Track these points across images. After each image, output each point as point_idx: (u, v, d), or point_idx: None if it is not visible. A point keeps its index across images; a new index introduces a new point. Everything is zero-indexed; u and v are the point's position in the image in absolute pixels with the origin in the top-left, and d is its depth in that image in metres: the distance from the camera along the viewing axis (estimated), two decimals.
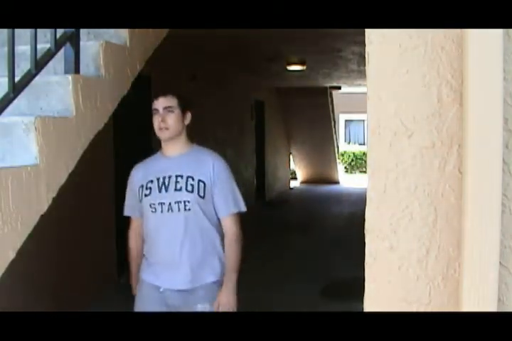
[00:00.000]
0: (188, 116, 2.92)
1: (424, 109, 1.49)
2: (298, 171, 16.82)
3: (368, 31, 1.53)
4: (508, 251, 1.42)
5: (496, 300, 1.38)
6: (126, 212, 3.07)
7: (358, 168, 20.68)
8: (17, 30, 2.23)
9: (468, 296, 1.38)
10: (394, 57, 1.51)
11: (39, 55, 2.38)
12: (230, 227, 2.88)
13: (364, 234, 1.56)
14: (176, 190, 2.80)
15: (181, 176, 2.81)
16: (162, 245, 2.88)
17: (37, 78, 2.38)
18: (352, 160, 20.94)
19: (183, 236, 2.81)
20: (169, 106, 2.84)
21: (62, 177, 2.38)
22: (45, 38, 2.57)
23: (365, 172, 15.50)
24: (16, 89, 2.24)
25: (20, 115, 2.33)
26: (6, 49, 2.23)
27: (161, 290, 2.87)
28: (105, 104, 2.72)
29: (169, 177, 2.83)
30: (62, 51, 2.56)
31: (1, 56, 2.36)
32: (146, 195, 2.86)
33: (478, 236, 1.37)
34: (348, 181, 16.80)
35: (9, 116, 2.24)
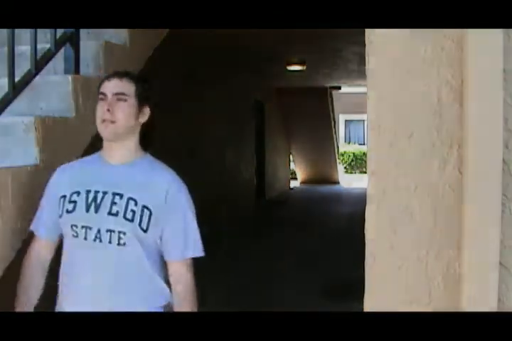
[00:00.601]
0: (146, 111, 2.08)
1: (424, 109, 1.49)
2: (298, 171, 16.82)
3: (368, 31, 1.53)
4: (508, 251, 1.42)
5: (496, 300, 1.38)
6: (41, 233, 2.10)
7: (358, 168, 20.68)
8: (17, 30, 2.23)
9: (469, 296, 1.38)
10: (394, 57, 1.51)
11: (39, 55, 2.39)
12: (185, 274, 2.06)
13: (364, 234, 1.56)
14: (110, 213, 1.99)
15: (120, 195, 2.00)
16: (82, 289, 2.01)
17: (37, 78, 2.38)
18: (352, 160, 20.95)
19: (113, 279, 2.00)
20: (122, 93, 2.03)
21: None
22: (45, 38, 2.58)
23: (365, 172, 15.50)
24: (16, 89, 2.25)
25: (20, 115, 2.33)
26: (6, 49, 2.23)
27: None
28: None
29: (104, 193, 2.01)
30: (62, 51, 2.56)
31: (1, 56, 2.36)
32: (68, 211, 2.02)
33: (478, 236, 1.37)
34: (347, 181, 16.80)
35: (9, 116, 2.24)
